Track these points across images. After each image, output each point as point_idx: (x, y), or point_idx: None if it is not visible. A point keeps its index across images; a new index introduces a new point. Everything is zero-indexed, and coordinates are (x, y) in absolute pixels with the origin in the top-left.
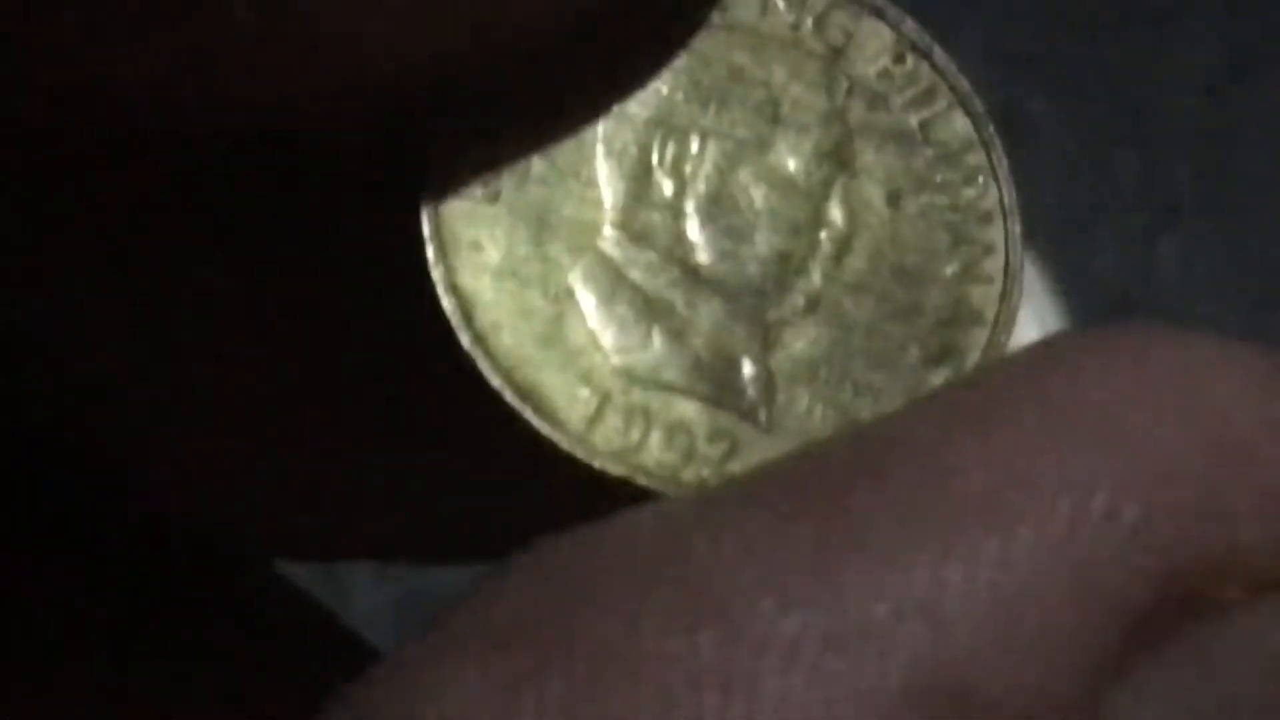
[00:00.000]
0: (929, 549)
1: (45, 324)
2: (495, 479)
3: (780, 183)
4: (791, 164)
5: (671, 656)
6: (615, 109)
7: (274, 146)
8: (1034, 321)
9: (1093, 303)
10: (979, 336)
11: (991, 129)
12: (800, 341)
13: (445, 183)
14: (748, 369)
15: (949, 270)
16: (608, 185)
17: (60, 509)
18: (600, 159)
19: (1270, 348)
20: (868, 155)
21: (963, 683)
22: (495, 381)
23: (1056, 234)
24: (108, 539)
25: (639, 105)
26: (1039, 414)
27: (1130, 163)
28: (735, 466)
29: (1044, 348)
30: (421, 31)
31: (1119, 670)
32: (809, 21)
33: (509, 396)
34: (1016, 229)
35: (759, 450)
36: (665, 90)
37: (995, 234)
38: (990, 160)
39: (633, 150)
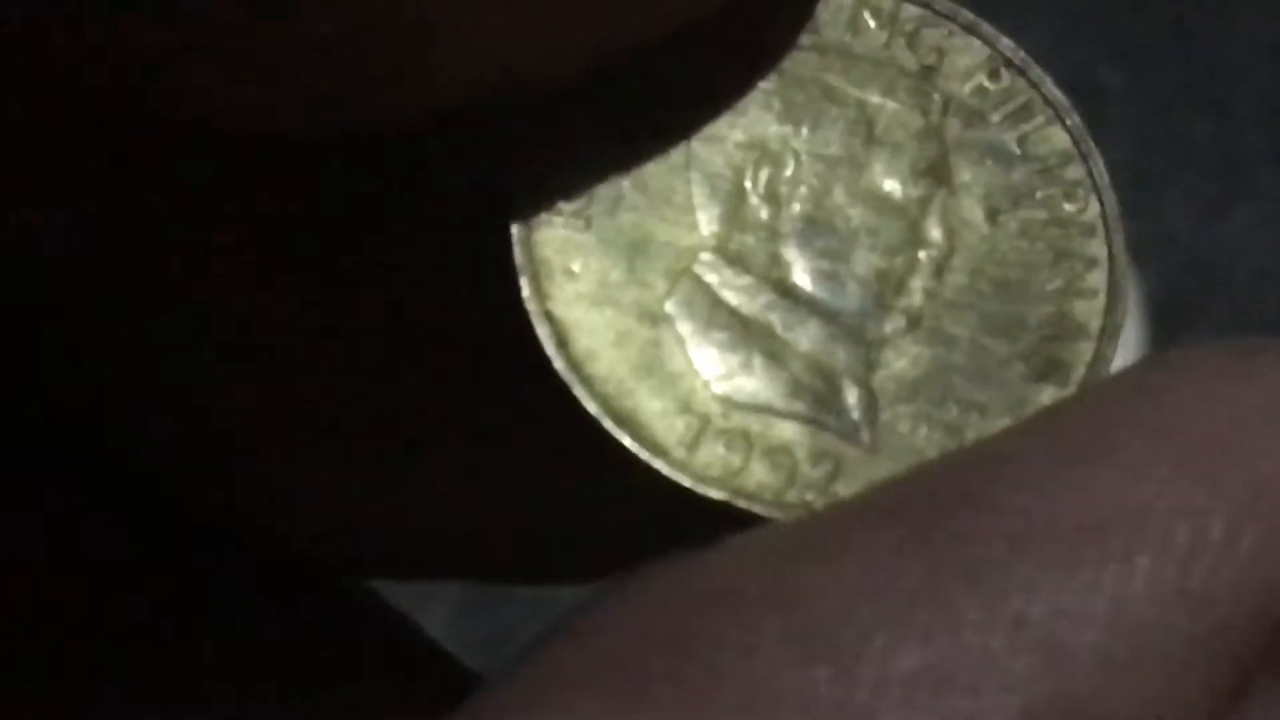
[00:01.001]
0: (1045, 579)
1: (133, 335)
2: (593, 503)
3: (877, 202)
4: (888, 183)
5: (786, 692)
6: (708, 132)
7: (368, 166)
8: None
9: (1167, 269)
10: (1084, 351)
11: (1091, 142)
12: (902, 360)
13: (535, 204)
14: (849, 389)
15: (1051, 285)
16: (701, 209)
17: (147, 527)
18: (693, 183)
19: None
20: (965, 172)
21: (1080, 716)
22: (592, 408)
23: (1129, 202)
24: (191, 558)
25: (731, 128)
26: (1151, 438)
27: (1203, 129)
28: (840, 488)
29: (1152, 367)
30: (520, 49)
31: (1236, 701)
32: (901, 40)
33: (607, 423)
34: (1120, 242)
35: (864, 471)
36: (757, 112)
37: (1097, 247)
38: (1090, 173)
39: (726, 173)
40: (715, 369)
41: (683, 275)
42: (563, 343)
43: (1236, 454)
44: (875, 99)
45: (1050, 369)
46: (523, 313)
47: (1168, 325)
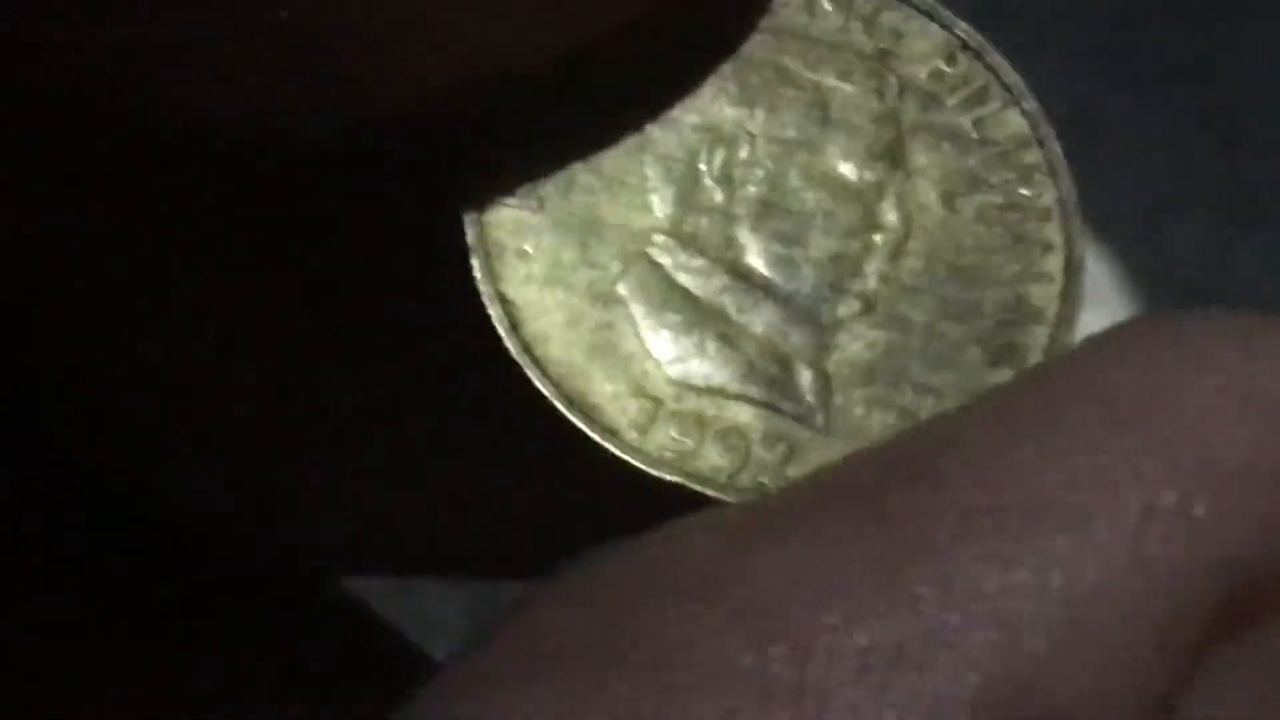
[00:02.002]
0: (998, 552)
1: (104, 341)
2: (551, 490)
3: (832, 185)
4: (843, 166)
5: (740, 670)
6: (662, 115)
7: (317, 159)
8: (1108, 322)
9: (1170, 303)
10: (1040, 335)
11: (1047, 126)
12: (857, 344)
13: (490, 189)
14: (803, 372)
15: (1007, 270)
16: (655, 192)
17: (122, 525)
18: (647, 166)
19: None
20: (921, 156)
21: (1036, 689)
22: (545, 390)
23: (1133, 232)
24: (163, 555)
25: (686, 111)
26: (1103, 409)
27: (1210, 159)
28: (793, 471)
29: (1103, 340)
30: (477, 44)
31: (1191, 670)
32: (858, 23)
33: (559, 405)
34: (1077, 225)
35: (817, 454)
36: (712, 95)
37: (1053, 232)
38: (1047, 158)
39: (681, 156)
40: (668, 351)
41: (636, 257)
42: (515, 325)
43: (1187, 423)
44: (831, 82)
45: (1006, 353)
46: (475, 295)
47: None
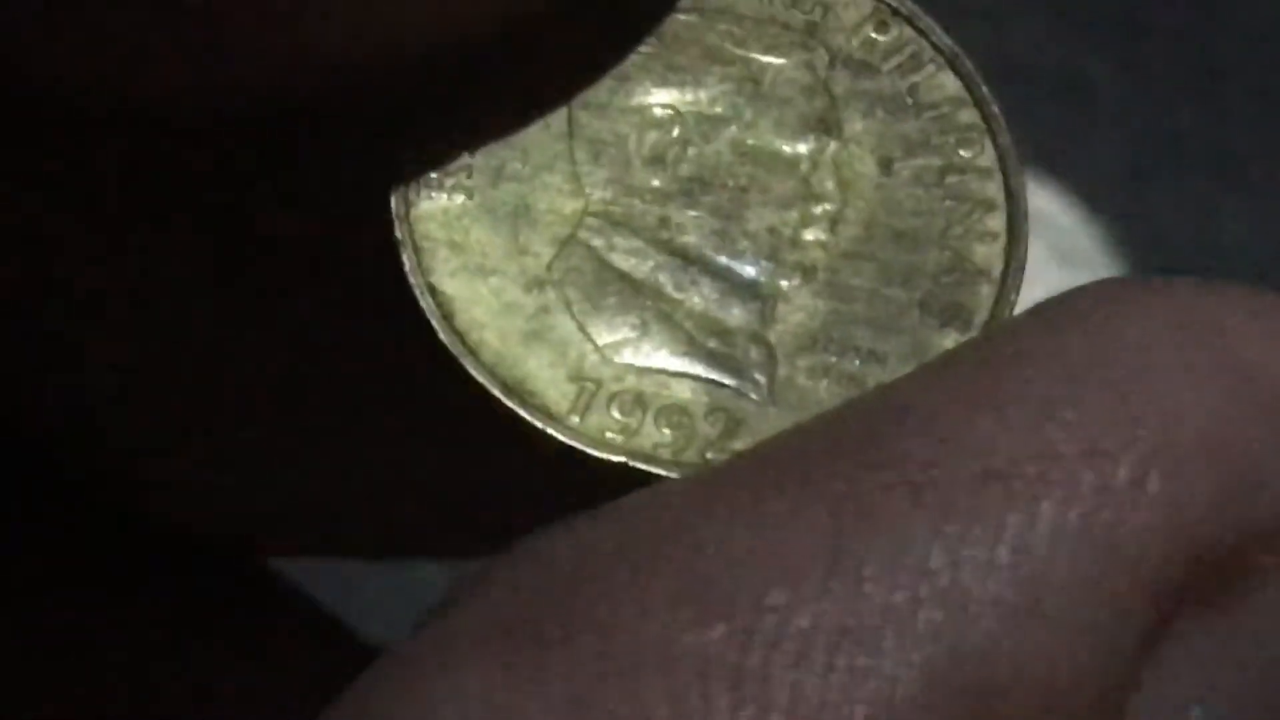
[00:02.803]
0: (946, 529)
1: (35, 321)
2: (492, 473)
3: (766, 158)
4: (776, 139)
5: (681, 652)
6: (590, 99)
7: (244, 136)
8: None
9: (1154, 266)
10: (986, 294)
11: (985, 87)
12: (799, 314)
13: (415, 170)
14: (746, 345)
15: (950, 231)
16: (586, 176)
17: (52, 511)
18: (576, 150)
19: None
20: (857, 123)
21: (984, 671)
22: (481, 378)
23: (1118, 197)
24: (93, 537)
25: (613, 94)
26: (1055, 381)
27: (1194, 123)
28: (739, 445)
29: (1059, 304)
30: (392, 18)
31: (1150, 646)
32: None
33: (496, 392)
34: (1019, 182)
35: (764, 426)
36: (640, 76)
37: (995, 190)
38: (984, 116)
39: (609, 140)
40: (606, 334)
41: (568, 241)
42: (447, 315)
43: (1142, 395)
44: (760, 57)
45: (952, 314)
46: (408, 285)
47: None
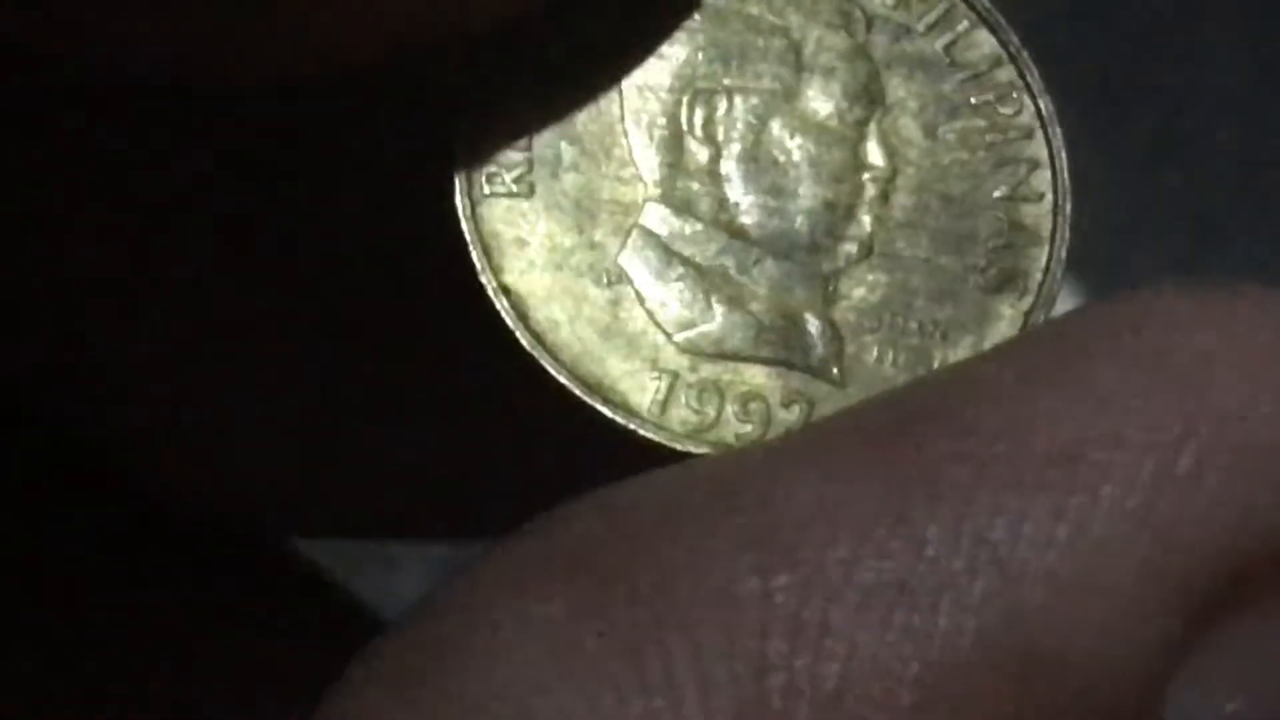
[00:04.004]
0: (1008, 502)
1: (59, 299)
2: (567, 467)
3: (815, 130)
4: (823, 109)
5: (741, 597)
6: (638, 80)
7: (300, 128)
8: None
9: None
10: (1038, 256)
11: (1018, 43)
12: (860, 289)
13: (472, 158)
14: (812, 325)
15: (997, 193)
16: (641, 161)
17: (73, 490)
18: (630, 134)
19: None
20: (899, 88)
21: (1035, 639)
22: (562, 379)
23: (1095, 257)
24: (119, 519)
25: (660, 73)
26: (1124, 369)
27: (1174, 183)
28: None
29: (1131, 300)
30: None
31: (1195, 636)
32: None
33: (579, 392)
34: (1058, 138)
35: (836, 407)
36: (684, 53)
37: (1038, 148)
38: (1022, 74)
39: (661, 121)
40: (677, 321)
41: (632, 230)
42: (522, 315)
43: (1207, 390)
44: (799, 24)
45: (1007, 278)
46: (479, 285)
47: None
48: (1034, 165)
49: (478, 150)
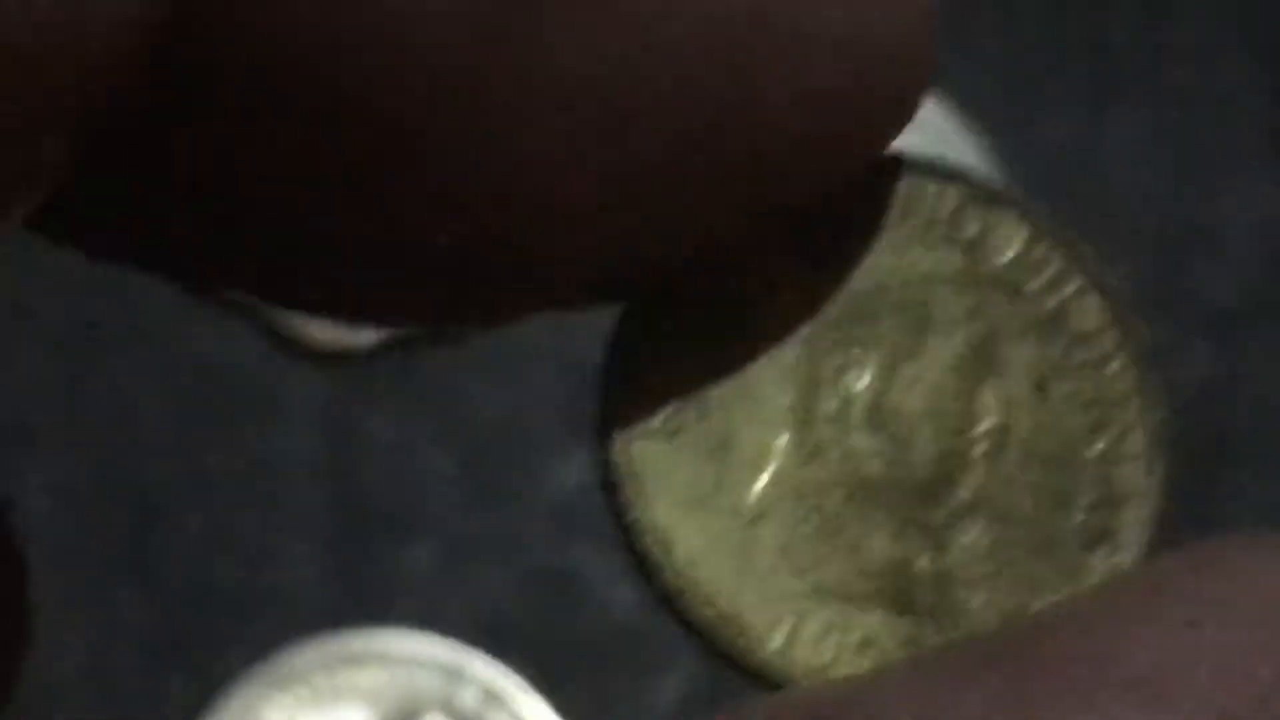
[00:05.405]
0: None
1: None
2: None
3: (935, 385)
4: (943, 364)
5: None
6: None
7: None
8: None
9: (1037, 174)
10: (1129, 515)
11: (1125, 307)
12: (967, 539)
13: (634, 412)
14: (924, 573)
15: (1092, 453)
16: (779, 403)
17: None
18: (771, 377)
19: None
20: (1012, 347)
21: None
22: (704, 613)
23: (1000, 105)
24: None
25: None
26: (1198, 607)
27: (1077, 32)
28: None
29: (1205, 548)
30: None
31: None
32: (945, 217)
33: (714, 625)
34: (1158, 404)
35: None
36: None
37: (1133, 413)
38: (1126, 338)
39: (800, 366)
40: (803, 563)
41: (767, 471)
42: (668, 551)
43: (1266, 636)
44: (925, 280)
45: (1101, 536)
46: (630, 523)
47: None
48: (1128, 428)
49: (636, 396)
